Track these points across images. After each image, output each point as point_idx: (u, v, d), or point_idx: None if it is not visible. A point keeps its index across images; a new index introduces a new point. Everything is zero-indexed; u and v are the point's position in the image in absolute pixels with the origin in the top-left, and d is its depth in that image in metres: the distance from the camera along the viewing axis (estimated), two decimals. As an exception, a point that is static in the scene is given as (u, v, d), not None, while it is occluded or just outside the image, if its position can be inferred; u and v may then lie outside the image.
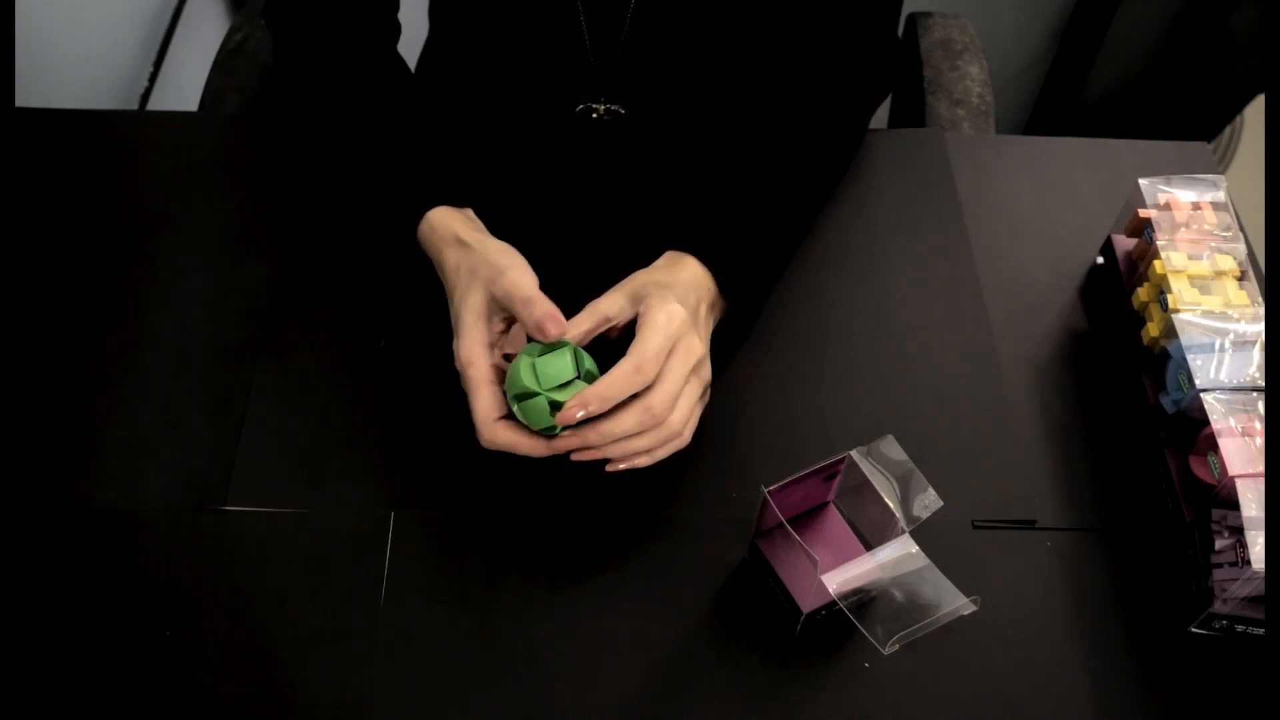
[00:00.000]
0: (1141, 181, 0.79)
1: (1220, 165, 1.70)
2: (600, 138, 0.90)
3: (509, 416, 0.66)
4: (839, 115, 0.85)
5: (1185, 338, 0.70)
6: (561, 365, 0.65)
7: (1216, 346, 0.70)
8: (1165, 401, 0.72)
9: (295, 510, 0.70)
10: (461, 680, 0.64)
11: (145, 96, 1.36)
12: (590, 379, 0.65)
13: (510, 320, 0.70)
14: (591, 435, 0.65)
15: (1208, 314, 0.72)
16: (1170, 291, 0.73)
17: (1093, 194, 0.88)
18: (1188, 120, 1.80)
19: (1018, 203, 0.88)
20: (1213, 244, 0.76)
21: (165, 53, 1.39)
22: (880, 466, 0.65)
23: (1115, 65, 1.87)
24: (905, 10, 1.06)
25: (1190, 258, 0.75)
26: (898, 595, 0.61)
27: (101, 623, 0.66)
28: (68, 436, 0.73)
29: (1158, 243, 0.76)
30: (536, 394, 0.64)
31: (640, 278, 0.70)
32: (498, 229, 0.74)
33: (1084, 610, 0.68)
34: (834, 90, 0.85)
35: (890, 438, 0.66)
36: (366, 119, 0.79)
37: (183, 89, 1.42)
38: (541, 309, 0.66)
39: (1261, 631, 0.65)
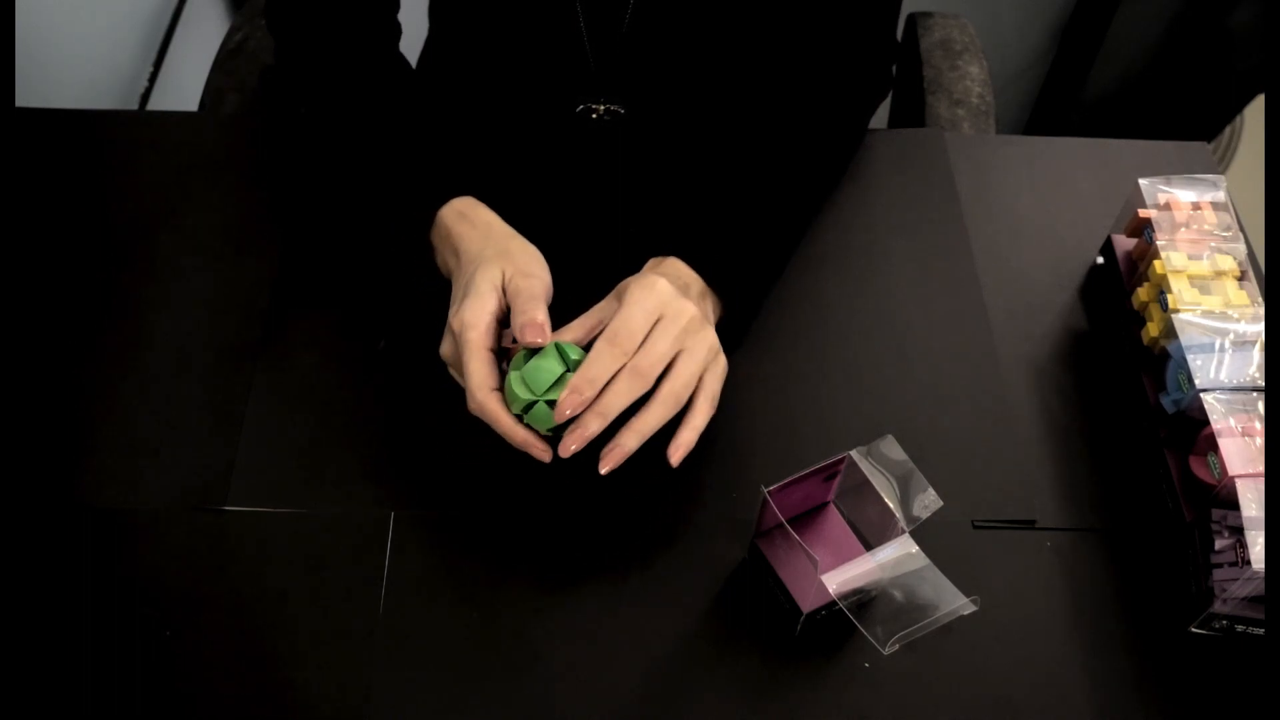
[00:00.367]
0: (1141, 181, 0.79)
1: (1220, 165, 1.70)
2: (599, 138, 0.90)
3: (500, 390, 0.66)
4: (837, 116, 0.85)
5: (1185, 338, 0.70)
6: (548, 365, 0.65)
7: (1216, 346, 0.70)
8: (1165, 401, 0.72)
9: (295, 510, 0.70)
10: (461, 680, 0.64)
11: (145, 96, 1.36)
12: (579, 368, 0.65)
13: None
14: (592, 420, 0.64)
15: (1208, 314, 0.72)
16: (1170, 291, 0.73)
17: (1093, 194, 0.88)
18: (1188, 120, 1.80)
19: (1018, 203, 0.88)
20: (1213, 244, 0.76)
21: (165, 53, 1.39)
22: (880, 466, 0.65)
23: (1115, 65, 1.87)
24: (905, 10, 1.06)
25: (1190, 258, 0.75)
26: (898, 595, 0.61)
27: (101, 623, 0.66)
28: (68, 436, 0.73)
29: (1158, 243, 0.76)
30: (535, 401, 0.64)
31: (627, 281, 0.70)
32: (497, 229, 0.74)
33: (1084, 610, 0.68)
34: (832, 91, 0.85)
35: (890, 438, 0.66)
36: (373, 115, 0.79)
37: (183, 89, 1.43)
38: (533, 314, 0.65)
39: (1261, 631, 0.65)
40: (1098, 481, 0.73)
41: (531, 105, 0.92)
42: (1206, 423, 0.67)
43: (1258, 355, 0.69)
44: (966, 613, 0.60)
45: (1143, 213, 0.78)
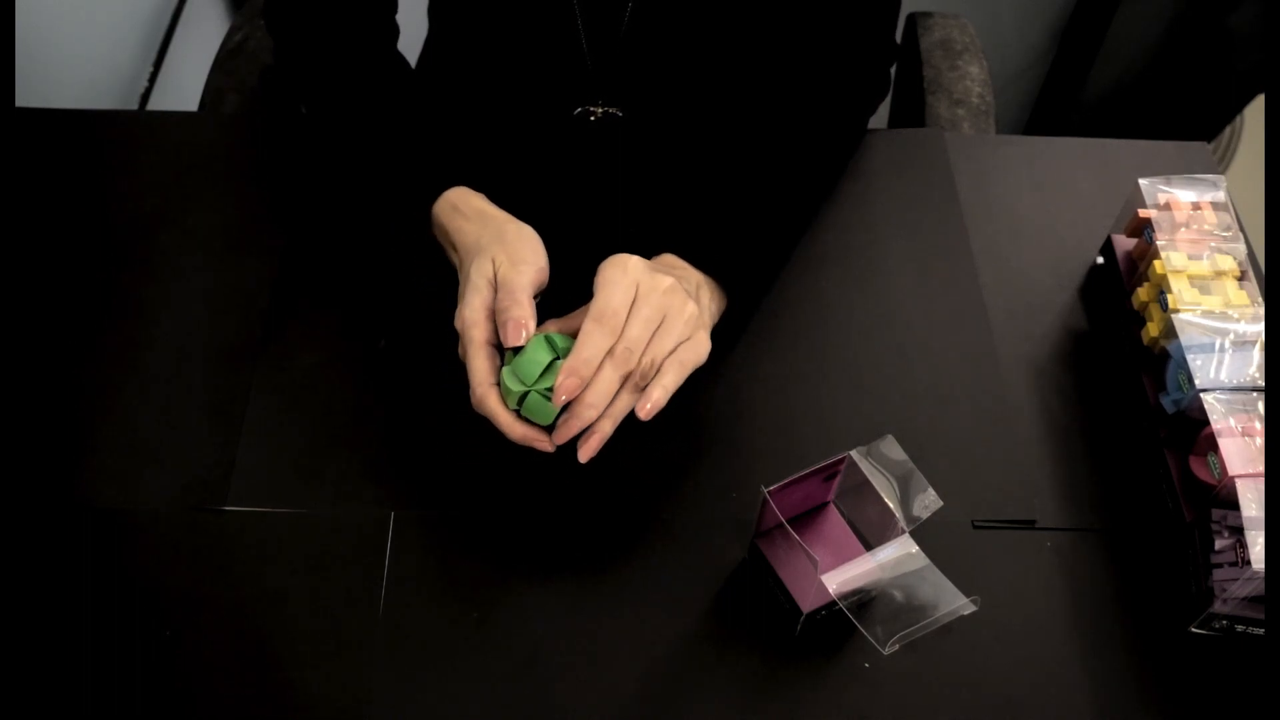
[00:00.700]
0: (1141, 181, 0.79)
1: (1220, 165, 1.70)
2: (597, 140, 0.90)
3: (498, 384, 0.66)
4: (836, 116, 0.85)
5: (1185, 338, 0.70)
6: (535, 356, 0.65)
7: (1216, 346, 0.70)
8: (1165, 401, 0.72)
9: (295, 510, 0.70)
10: (461, 680, 0.64)
11: (145, 96, 1.36)
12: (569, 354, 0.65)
13: None
14: (583, 410, 0.64)
15: (1208, 314, 0.72)
16: (1170, 291, 0.73)
17: (1093, 194, 0.88)
18: (1188, 120, 1.80)
19: (1018, 203, 0.88)
20: (1213, 244, 0.76)
21: (165, 53, 1.39)
22: (880, 466, 0.65)
23: (1115, 65, 1.87)
24: (905, 10, 1.06)
25: (1190, 258, 0.75)
26: (898, 595, 0.61)
27: (101, 623, 0.66)
28: (68, 436, 0.73)
29: (1158, 243, 0.76)
30: (528, 392, 0.64)
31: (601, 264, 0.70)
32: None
33: (1084, 610, 0.68)
34: (831, 92, 0.85)
35: (890, 438, 0.66)
36: (372, 114, 0.79)
37: (183, 89, 1.43)
38: (513, 312, 0.65)
39: (1261, 631, 0.65)
40: (1098, 481, 0.73)
41: (529, 107, 0.92)
42: (1206, 423, 0.67)
43: (1258, 355, 0.69)
44: (966, 613, 0.60)
45: (1143, 213, 0.78)
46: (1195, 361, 0.69)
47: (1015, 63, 1.89)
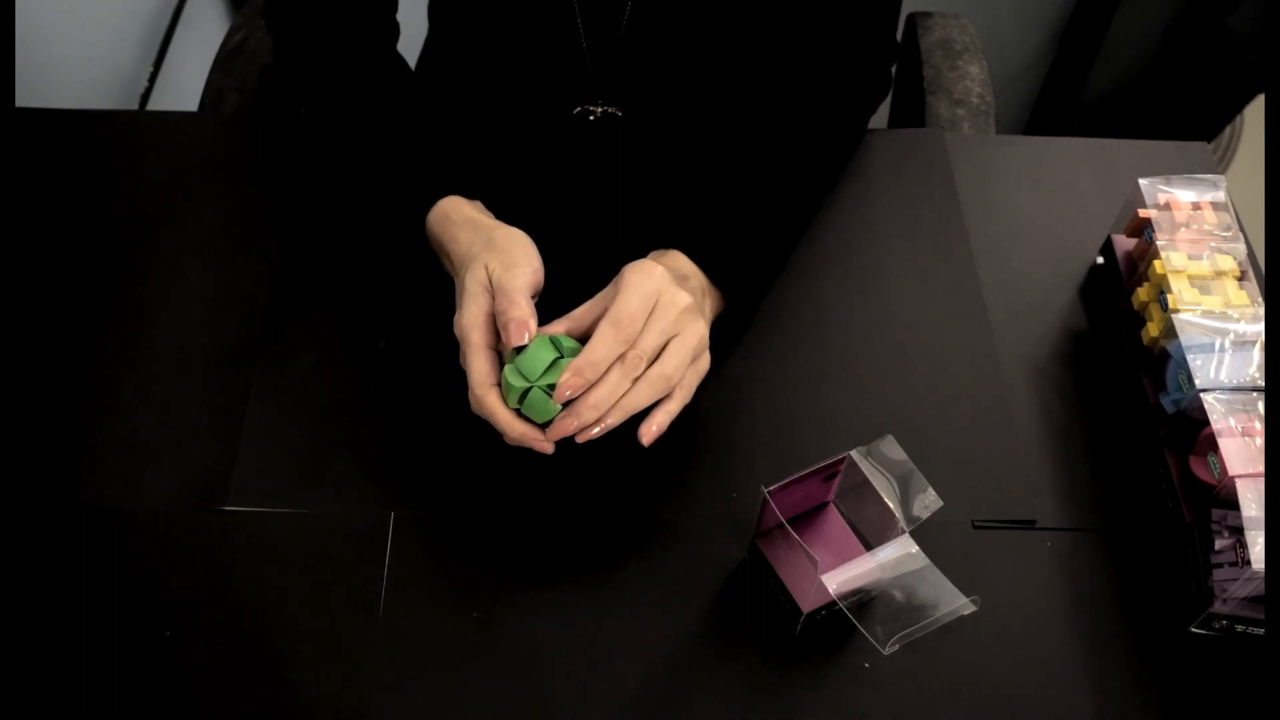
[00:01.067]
0: (1141, 181, 0.79)
1: (1220, 165, 1.70)
2: (597, 140, 0.90)
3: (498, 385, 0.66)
4: (837, 115, 0.85)
5: (1185, 338, 0.70)
6: (540, 354, 0.65)
7: (1216, 346, 0.70)
8: (1165, 401, 0.72)
9: (295, 510, 0.70)
10: (461, 680, 0.64)
11: (145, 96, 1.36)
12: (574, 354, 0.65)
13: None
14: (585, 410, 0.64)
15: (1208, 314, 0.72)
16: (1170, 291, 0.73)
17: (1093, 194, 0.88)
18: (1188, 120, 1.80)
19: (1018, 203, 0.88)
20: (1213, 244, 0.76)
21: (165, 53, 1.39)
22: (880, 466, 0.65)
23: (1115, 65, 1.87)
24: (905, 10, 1.06)
25: (1190, 258, 0.75)
26: (898, 595, 0.61)
27: (101, 623, 0.66)
28: (68, 436, 0.73)
29: (1158, 243, 0.76)
30: (530, 388, 0.64)
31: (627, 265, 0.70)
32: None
33: (1084, 610, 0.68)
34: (832, 91, 0.85)
35: (890, 438, 0.66)
36: (371, 115, 0.79)
37: (183, 89, 1.43)
38: (513, 313, 0.65)
39: (1261, 631, 0.65)
40: (1098, 481, 0.73)
41: (529, 107, 0.92)
42: (1206, 423, 0.67)
43: (1258, 355, 0.69)
44: (966, 613, 0.60)
45: (1143, 213, 0.78)
46: (1195, 361, 0.69)
47: (1015, 63, 1.89)
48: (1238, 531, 0.63)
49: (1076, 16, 1.81)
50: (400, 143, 0.78)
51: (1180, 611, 0.67)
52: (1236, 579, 0.63)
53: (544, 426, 0.66)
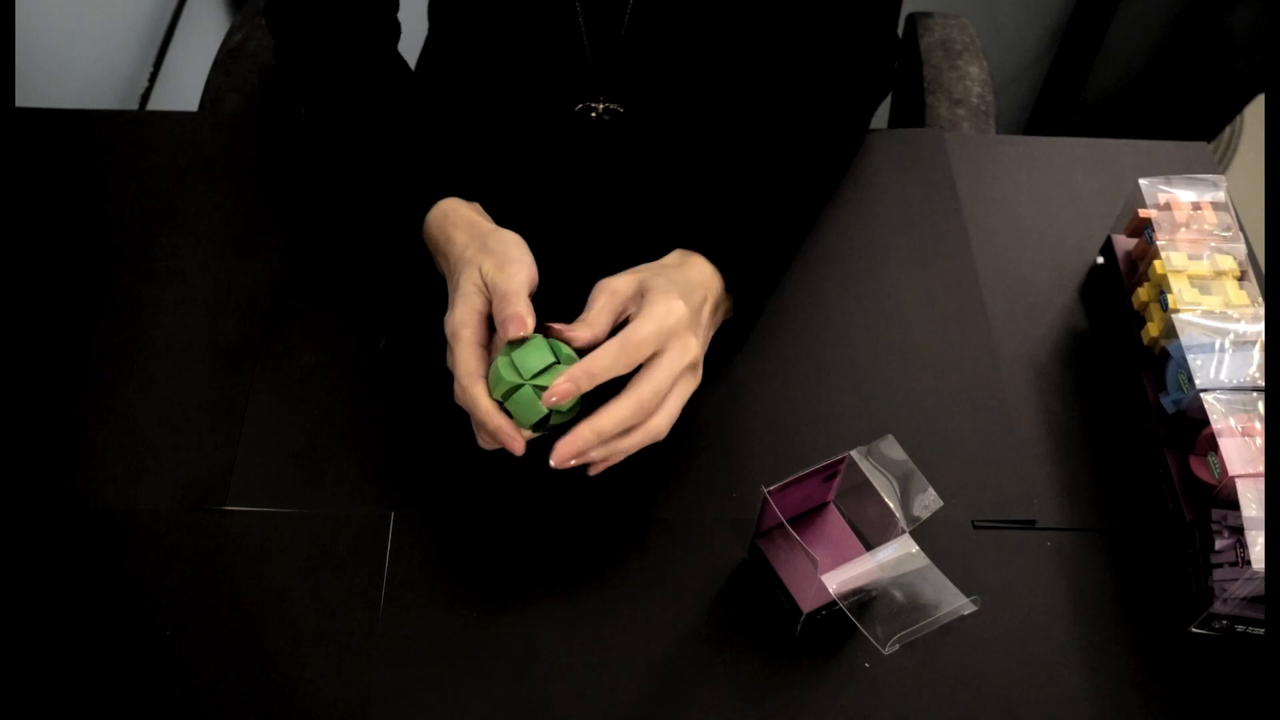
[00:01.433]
0: (1141, 181, 0.79)
1: (1220, 165, 1.70)
2: (598, 137, 0.90)
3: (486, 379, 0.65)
4: (839, 114, 0.85)
5: (1185, 338, 0.70)
6: (539, 355, 0.64)
7: (1216, 346, 0.70)
8: (1165, 401, 0.72)
9: (295, 510, 0.70)
10: (461, 680, 0.64)
11: (145, 96, 1.36)
12: (570, 363, 0.64)
13: None
14: (586, 431, 0.63)
15: (1208, 314, 0.72)
16: (1170, 291, 0.73)
17: (1093, 194, 0.88)
18: (1188, 120, 1.80)
19: (1018, 203, 0.88)
20: (1213, 244, 0.76)
21: (165, 53, 1.39)
22: (880, 466, 0.65)
23: (1115, 65, 1.87)
24: (905, 10, 1.06)
25: (1190, 258, 0.75)
26: (898, 595, 0.61)
27: (102, 623, 0.66)
28: (68, 436, 0.73)
29: (1158, 243, 0.76)
30: (521, 385, 0.64)
31: (649, 268, 0.70)
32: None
33: (1084, 610, 0.68)
34: (834, 89, 0.85)
35: (890, 438, 0.66)
36: (372, 115, 0.79)
37: (183, 89, 1.43)
38: (511, 309, 0.65)
39: (1261, 631, 0.65)
40: (1098, 481, 0.73)
41: (531, 104, 0.92)
42: (1206, 423, 0.67)
43: (1258, 355, 0.69)
44: (966, 613, 0.60)
45: (1143, 213, 0.78)
46: (1195, 361, 0.69)
47: (1015, 63, 1.89)
48: (1238, 531, 0.63)
49: (1076, 16, 1.81)
50: (401, 143, 0.78)
51: (1180, 611, 0.67)
52: (1236, 579, 0.63)
53: (534, 427, 0.65)
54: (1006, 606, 0.67)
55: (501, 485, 0.71)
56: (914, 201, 0.87)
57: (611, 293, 0.67)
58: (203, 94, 1.05)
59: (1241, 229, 0.77)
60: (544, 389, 0.63)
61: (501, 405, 0.65)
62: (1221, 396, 0.67)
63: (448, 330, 0.67)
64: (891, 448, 0.65)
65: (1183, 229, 0.77)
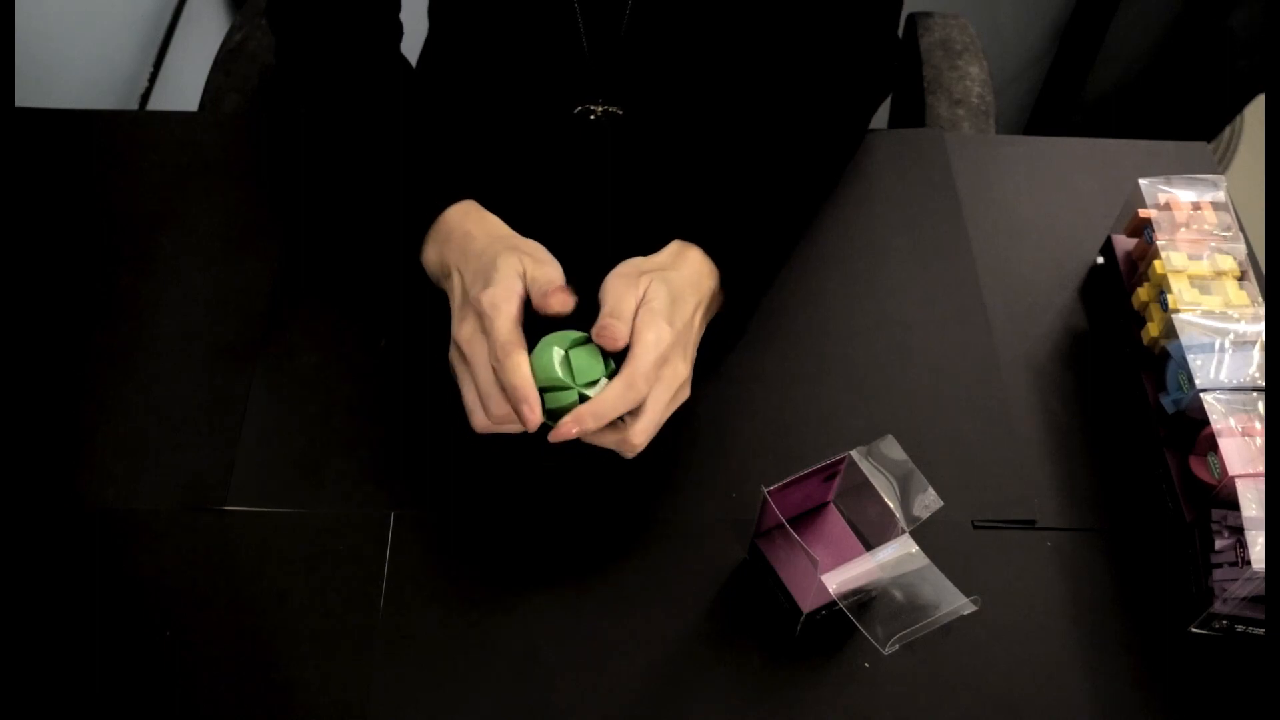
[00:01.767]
0: (1141, 181, 0.79)
1: (1220, 165, 1.70)
2: (597, 139, 0.90)
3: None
4: (839, 114, 0.85)
5: (1185, 338, 0.70)
6: (594, 364, 0.65)
7: (1216, 346, 0.70)
8: (1165, 401, 0.72)
9: (295, 510, 0.70)
10: (461, 680, 0.64)
11: (145, 96, 1.36)
12: (612, 376, 0.65)
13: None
14: (573, 430, 0.64)
15: (1208, 314, 0.72)
16: (1170, 291, 0.73)
17: (1093, 194, 0.88)
18: (1188, 120, 1.80)
19: (1018, 203, 0.88)
20: (1213, 244, 0.76)
21: (165, 53, 1.39)
22: (880, 466, 0.65)
23: (1115, 65, 1.87)
24: (905, 10, 1.06)
25: (1190, 258, 0.75)
26: (898, 595, 0.61)
27: (102, 623, 0.66)
28: (68, 436, 0.73)
29: (1158, 243, 0.76)
30: (569, 387, 0.64)
31: (641, 264, 0.70)
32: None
33: (1084, 610, 0.68)
34: (834, 89, 0.85)
35: (890, 438, 0.66)
36: (373, 116, 0.79)
37: (183, 89, 1.43)
38: (557, 284, 0.66)
39: (1261, 631, 0.65)
40: (1098, 481, 0.73)
41: (530, 106, 0.92)
42: (1206, 423, 0.67)
43: (1258, 355, 0.69)
44: (966, 613, 0.60)
45: (1143, 213, 0.78)
46: (1195, 361, 0.69)
47: (1015, 63, 1.89)
48: (1238, 531, 0.63)
49: (1076, 16, 1.81)
50: (405, 143, 0.77)
51: (1180, 611, 0.67)
52: (1236, 579, 0.63)
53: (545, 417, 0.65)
54: (1006, 606, 0.67)
55: (501, 485, 0.71)
56: (914, 201, 0.87)
57: (620, 309, 0.67)
58: (203, 94, 1.05)
59: (1241, 229, 0.77)
60: (587, 399, 0.64)
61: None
62: (1221, 396, 0.67)
63: (486, 302, 0.65)
64: (891, 448, 0.65)
65: (1183, 229, 0.77)
